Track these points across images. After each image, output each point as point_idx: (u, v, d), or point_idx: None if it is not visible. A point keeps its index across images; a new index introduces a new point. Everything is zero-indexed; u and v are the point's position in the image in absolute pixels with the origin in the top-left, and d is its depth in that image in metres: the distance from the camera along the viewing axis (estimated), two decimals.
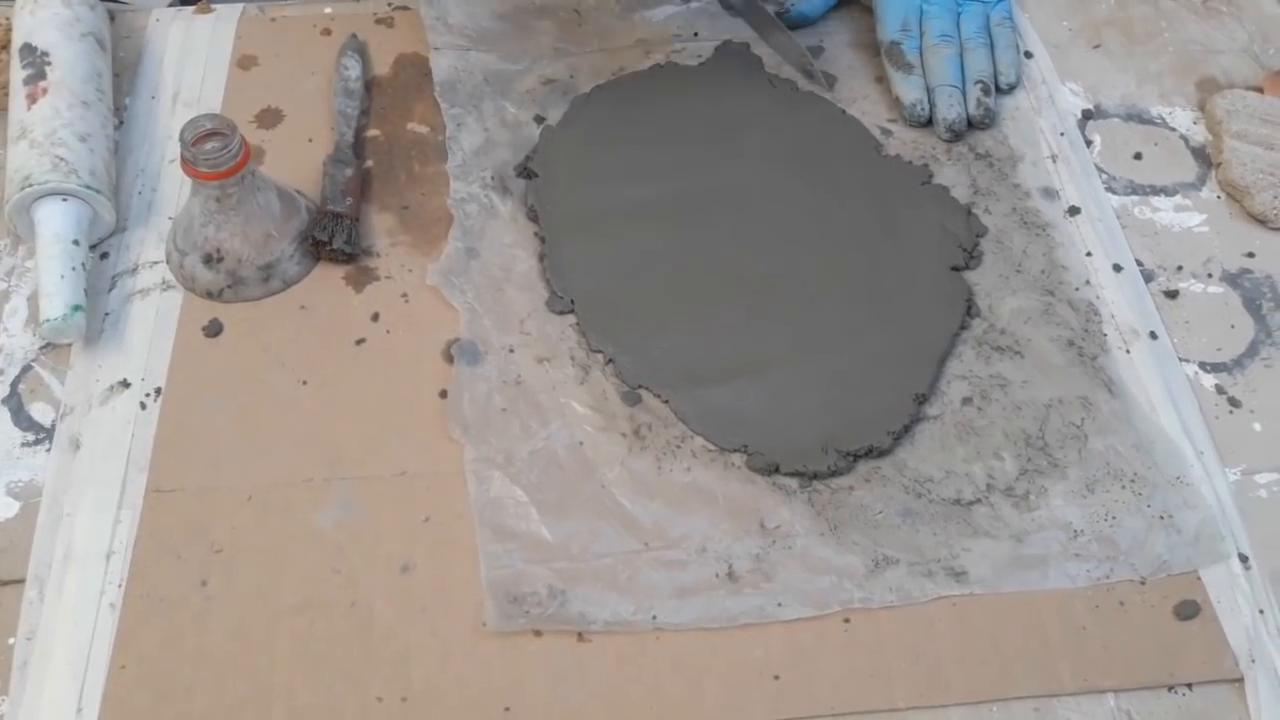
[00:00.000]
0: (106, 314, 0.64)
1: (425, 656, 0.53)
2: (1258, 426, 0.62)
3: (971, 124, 0.73)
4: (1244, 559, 0.57)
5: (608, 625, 0.54)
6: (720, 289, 0.64)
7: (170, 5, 0.80)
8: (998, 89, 0.75)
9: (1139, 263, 0.69)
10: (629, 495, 0.57)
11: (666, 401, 0.61)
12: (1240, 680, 0.53)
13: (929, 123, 0.74)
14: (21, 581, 0.54)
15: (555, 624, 0.53)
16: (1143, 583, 0.56)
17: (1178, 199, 0.72)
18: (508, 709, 0.52)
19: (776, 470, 0.58)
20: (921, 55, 0.75)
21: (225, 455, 0.59)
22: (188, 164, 0.60)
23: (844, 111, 0.74)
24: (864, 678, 0.53)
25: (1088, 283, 0.67)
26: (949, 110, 0.73)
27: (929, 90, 0.74)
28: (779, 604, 0.54)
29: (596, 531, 0.56)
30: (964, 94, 0.74)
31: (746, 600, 0.54)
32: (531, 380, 0.61)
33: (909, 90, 0.74)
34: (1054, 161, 0.73)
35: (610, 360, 0.62)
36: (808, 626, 0.54)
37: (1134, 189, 0.73)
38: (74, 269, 0.62)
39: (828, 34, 0.80)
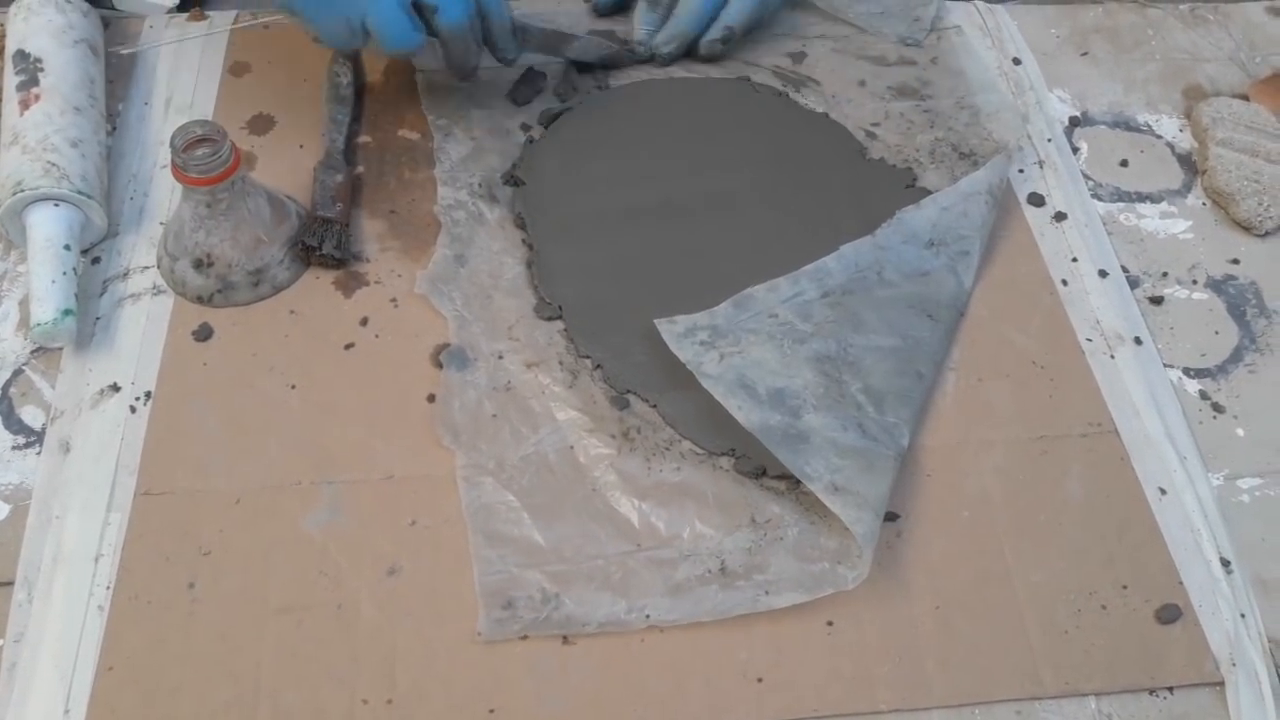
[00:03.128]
0: (97, 318, 0.64)
1: (411, 659, 0.53)
2: (1241, 432, 0.63)
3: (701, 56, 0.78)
4: (1226, 563, 0.57)
5: (601, 626, 0.54)
6: (706, 294, 0.64)
7: (169, 12, 0.80)
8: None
9: (1124, 269, 0.69)
10: (620, 496, 0.58)
11: (654, 406, 0.61)
12: (1221, 684, 0.54)
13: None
14: (10, 584, 0.55)
15: (548, 628, 0.54)
16: (1125, 588, 0.56)
17: (1163, 206, 0.73)
18: (492, 711, 0.52)
19: (764, 473, 0.59)
20: None
21: (214, 459, 0.59)
22: (178, 170, 0.61)
23: (827, 116, 0.75)
24: (847, 680, 0.53)
25: (1064, 283, 0.68)
26: (665, 45, 0.77)
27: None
28: (765, 592, 0.54)
29: (589, 534, 0.57)
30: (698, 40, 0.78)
31: (740, 593, 0.55)
32: (521, 386, 0.62)
33: (643, 23, 0.79)
34: (1041, 167, 0.74)
35: (598, 365, 0.63)
36: (791, 629, 0.54)
37: (1120, 195, 0.73)
38: (65, 273, 0.62)
39: (809, 40, 0.80)
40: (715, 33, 0.77)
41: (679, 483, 0.58)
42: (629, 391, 0.62)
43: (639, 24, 0.78)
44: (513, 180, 0.71)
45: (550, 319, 0.65)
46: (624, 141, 0.73)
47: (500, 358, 0.63)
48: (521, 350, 0.63)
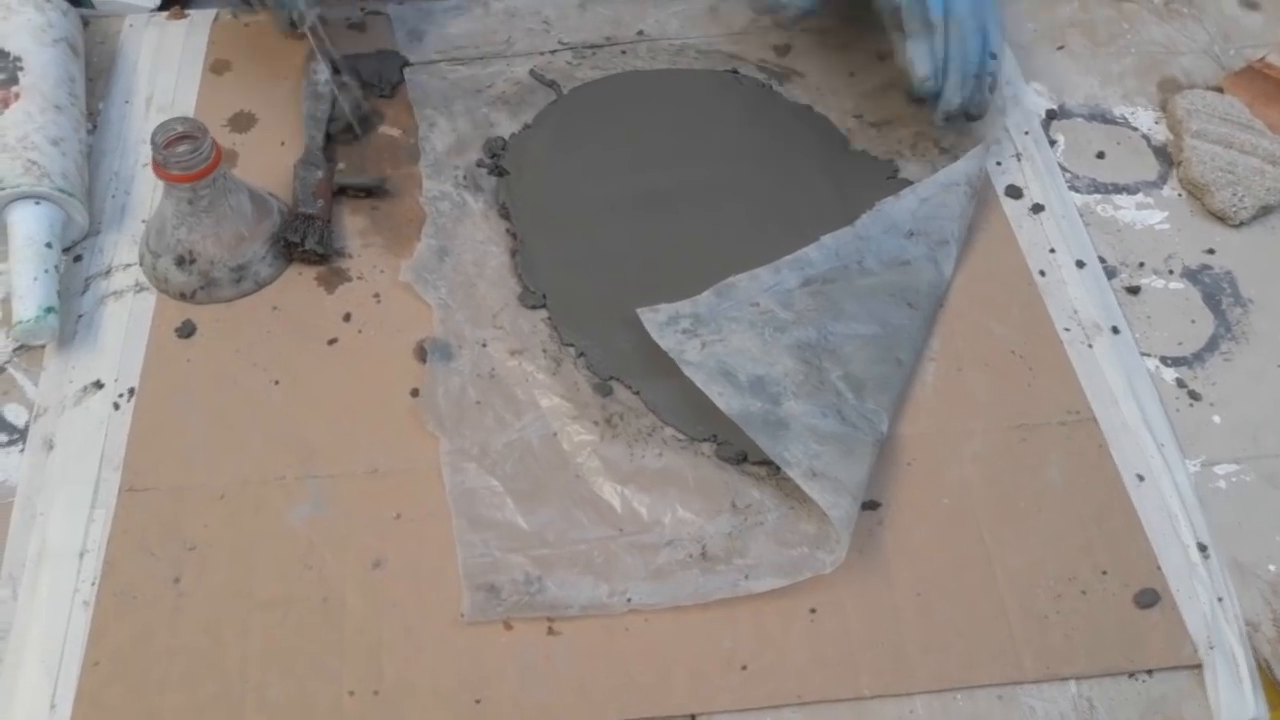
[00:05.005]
0: (80, 316, 0.64)
1: (397, 650, 0.53)
2: (1217, 419, 0.63)
3: (968, 115, 0.71)
4: (1203, 548, 0.58)
5: (584, 609, 0.54)
6: (688, 283, 0.65)
7: (154, 11, 0.80)
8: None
9: (1101, 259, 0.70)
10: (602, 481, 0.58)
11: (638, 393, 0.62)
12: (1199, 666, 0.54)
13: (923, 99, 0.70)
14: None
15: (531, 611, 0.54)
16: (1104, 573, 0.57)
17: (1140, 197, 0.74)
18: (478, 701, 0.52)
19: (744, 459, 0.59)
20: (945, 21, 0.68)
21: (198, 454, 0.59)
22: (159, 167, 0.61)
23: (811, 108, 0.76)
24: (830, 667, 0.54)
25: (1042, 273, 0.68)
26: (955, 94, 0.69)
27: (944, 65, 0.69)
28: (745, 576, 0.55)
29: (571, 519, 0.57)
30: (977, 79, 0.70)
31: (720, 577, 0.55)
32: (505, 373, 0.62)
33: (924, 60, 0.68)
34: (1018, 160, 0.74)
35: (581, 353, 0.63)
36: (774, 616, 0.55)
37: (1097, 187, 0.74)
38: (47, 271, 0.62)
39: (795, 32, 0.81)
40: (970, 95, 0.69)
41: (661, 468, 0.59)
42: (612, 378, 0.62)
43: (920, 59, 0.68)
44: (497, 170, 0.71)
45: (534, 307, 0.65)
46: (609, 132, 0.74)
47: (484, 346, 0.63)
48: (505, 338, 0.64)
